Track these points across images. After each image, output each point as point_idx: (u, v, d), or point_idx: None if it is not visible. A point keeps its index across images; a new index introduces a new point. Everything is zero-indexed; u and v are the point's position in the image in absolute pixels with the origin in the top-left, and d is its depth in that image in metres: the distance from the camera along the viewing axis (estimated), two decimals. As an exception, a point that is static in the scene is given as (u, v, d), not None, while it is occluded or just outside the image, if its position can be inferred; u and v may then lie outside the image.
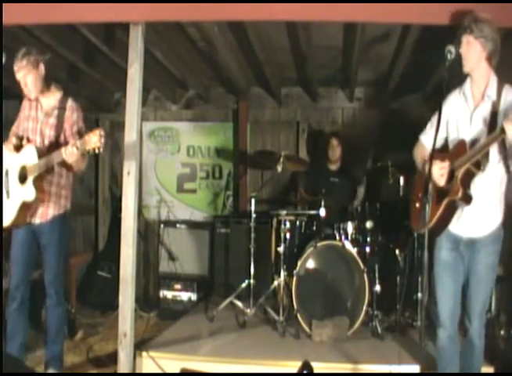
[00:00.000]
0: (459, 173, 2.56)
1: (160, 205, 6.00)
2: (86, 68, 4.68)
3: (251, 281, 4.30)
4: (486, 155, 2.51)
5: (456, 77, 2.66)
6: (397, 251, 4.23)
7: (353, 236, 4.26)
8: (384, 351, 3.51)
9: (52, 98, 3.29)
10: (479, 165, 2.52)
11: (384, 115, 5.59)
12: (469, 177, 2.55)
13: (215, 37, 3.86)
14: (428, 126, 2.86)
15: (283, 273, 4.22)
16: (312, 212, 4.43)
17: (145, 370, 3.38)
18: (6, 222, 3.19)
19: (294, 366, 2.85)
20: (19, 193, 3.16)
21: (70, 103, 3.27)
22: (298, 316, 3.89)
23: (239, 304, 4.35)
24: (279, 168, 4.42)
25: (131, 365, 3.28)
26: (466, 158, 2.54)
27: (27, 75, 3.17)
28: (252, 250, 4.39)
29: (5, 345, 3.19)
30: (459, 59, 2.58)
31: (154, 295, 5.57)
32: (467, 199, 2.55)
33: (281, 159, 4.42)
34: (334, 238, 4.15)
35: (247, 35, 3.92)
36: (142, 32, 3.28)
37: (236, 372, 3.28)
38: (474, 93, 2.65)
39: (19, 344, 3.24)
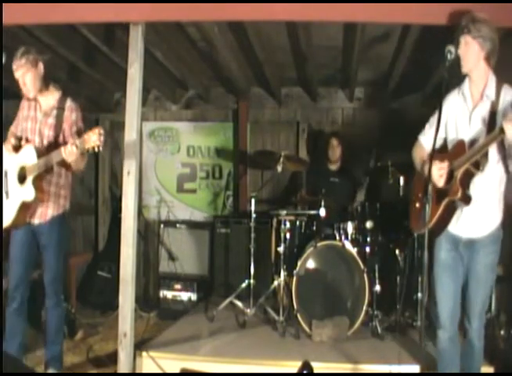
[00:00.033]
0: (459, 173, 2.56)
1: (160, 205, 6.00)
2: (86, 68, 4.68)
3: (251, 281, 4.30)
4: (485, 155, 2.51)
5: (456, 77, 2.66)
6: (397, 251, 4.23)
7: (353, 236, 4.26)
8: (383, 351, 3.51)
9: (51, 98, 3.28)
10: (478, 165, 2.52)
11: (383, 115, 5.59)
12: (468, 177, 2.55)
13: (215, 37, 3.86)
14: (427, 126, 2.85)
15: (283, 273, 4.22)
16: (312, 212, 4.43)
17: (145, 370, 3.38)
18: (6, 223, 3.19)
19: (294, 366, 2.85)
20: (19, 194, 3.16)
21: (68, 102, 3.27)
22: (298, 316, 3.89)
23: (239, 304, 4.35)
24: (279, 168, 4.42)
25: (131, 365, 3.28)
26: (465, 158, 2.54)
27: (25, 74, 3.16)
28: (252, 250, 4.39)
29: (5, 345, 3.18)
30: (458, 59, 2.58)
31: (154, 295, 5.57)
32: (467, 199, 2.54)
33: (281, 159, 4.42)
34: (334, 238, 4.15)
35: (247, 35, 3.92)
36: (142, 32, 3.28)
37: (236, 372, 3.28)
38: (473, 93, 2.65)
39: (18, 344, 3.24)
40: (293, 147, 5.80)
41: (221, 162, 5.97)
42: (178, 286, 5.21)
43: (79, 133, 3.15)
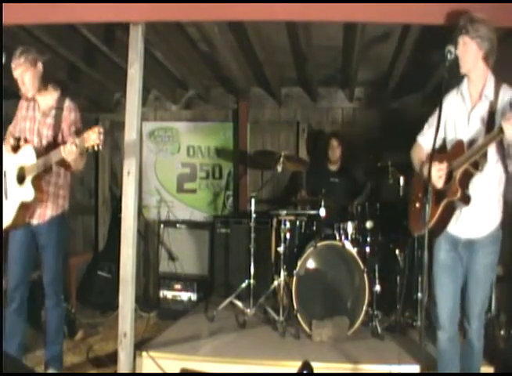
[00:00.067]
0: (458, 174, 2.55)
1: (160, 205, 6.00)
2: (86, 68, 4.68)
3: (251, 281, 4.30)
4: (484, 155, 2.50)
5: (456, 77, 2.66)
6: (397, 251, 4.23)
7: (353, 236, 4.26)
8: (383, 351, 3.51)
9: (50, 98, 3.28)
10: (477, 165, 2.51)
11: (384, 115, 5.59)
12: (467, 177, 2.54)
13: (215, 38, 3.86)
14: (425, 127, 2.85)
15: (283, 273, 4.22)
16: (312, 212, 4.44)
17: (145, 370, 3.38)
18: (5, 223, 3.19)
19: (294, 366, 2.85)
20: (18, 194, 3.16)
21: (67, 102, 3.26)
22: (298, 316, 3.89)
23: (239, 304, 4.35)
24: (279, 168, 4.42)
25: (131, 365, 3.28)
26: (464, 158, 2.53)
27: (24, 73, 3.16)
28: (252, 250, 4.39)
29: (4, 345, 3.18)
30: (457, 59, 2.57)
31: (154, 295, 5.57)
32: (466, 199, 2.54)
33: (281, 159, 4.42)
34: (334, 238, 4.15)
35: (247, 35, 3.92)
36: (142, 32, 3.28)
37: (236, 372, 3.28)
38: (472, 93, 2.64)
39: (18, 344, 3.24)
40: (293, 147, 5.80)
41: (221, 162, 5.97)
42: (178, 286, 5.21)
43: (78, 133, 3.14)
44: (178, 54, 4.65)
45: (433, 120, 2.75)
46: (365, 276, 3.85)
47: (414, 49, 4.07)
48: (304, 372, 2.66)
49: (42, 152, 3.12)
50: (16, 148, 3.24)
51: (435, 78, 4.72)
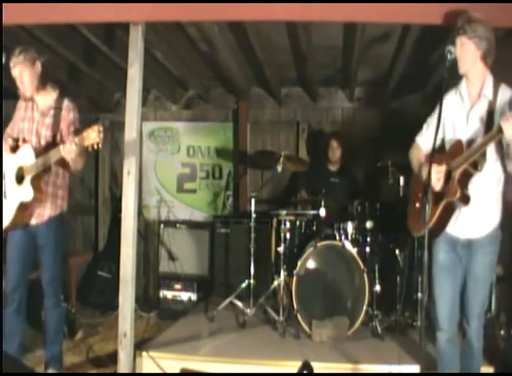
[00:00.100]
0: (457, 174, 2.55)
1: (160, 205, 6.00)
2: (86, 68, 4.68)
3: (251, 281, 4.30)
4: (483, 155, 2.50)
5: (456, 77, 2.66)
6: (397, 251, 4.23)
7: (353, 236, 4.25)
8: (383, 351, 3.51)
9: (48, 97, 3.27)
10: (476, 165, 2.51)
11: (383, 115, 5.59)
12: (466, 177, 2.54)
13: (215, 38, 3.86)
14: (424, 127, 2.84)
15: (283, 273, 4.22)
16: (312, 212, 4.44)
17: (145, 370, 3.38)
18: (4, 224, 3.18)
19: (294, 366, 2.85)
20: (17, 194, 3.15)
21: (66, 102, 3.26)
22: (298, 316, 3.89)
23: (239, 304, 4.35)
24: (279, 168, 4.42)
25: (131, 365, 3.28)
26: (463, 158, 2.53)
27: (23, 71, 3.16)
28: (252, 250, 4.39)
29: (4, 346, 3.18)
30: (456, 60, 2.57)
31: (154, 295, 5.57)
32: (465, 199, 2.54)
33: (281, 159, 4.42)
34: (334, 238, 4.15)
35: (247, 35, 3.92)
36: (142, 32, 3.28)
37: (236, 372, 3.28)
38: (470, 93, 2.64)
39: (17, 345, 3.24)
40: (293, 147, 5.80)
41: (221, 162, 5.97)
42: (178, 286, 5.21)
43: (77, 133, 3.13)
44: (178, 54, 4.65)
45: (431, 120, 2.75)
46: (365, 276, 3.85)
47: (414, 49, 4.07)
48: (304, 372, 2.67)
49: (41, 152, 3.11)
50: (14, 148, 3.23)
51: (435, 78, 4.72)
